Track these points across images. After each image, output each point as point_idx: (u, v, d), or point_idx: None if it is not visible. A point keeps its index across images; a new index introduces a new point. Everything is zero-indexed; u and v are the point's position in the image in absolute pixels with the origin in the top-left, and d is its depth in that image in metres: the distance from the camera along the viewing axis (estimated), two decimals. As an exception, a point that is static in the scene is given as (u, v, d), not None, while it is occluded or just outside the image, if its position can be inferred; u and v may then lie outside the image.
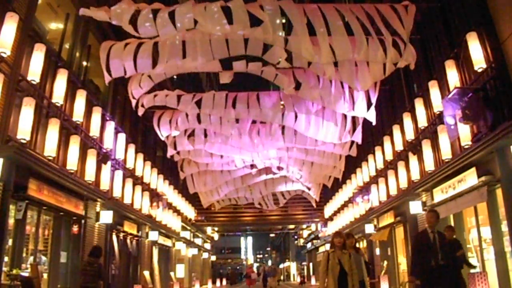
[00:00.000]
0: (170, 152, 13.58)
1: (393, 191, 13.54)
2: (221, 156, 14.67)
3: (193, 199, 24.42)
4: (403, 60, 7.96)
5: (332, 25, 7.47)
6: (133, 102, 10.09)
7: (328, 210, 24.79)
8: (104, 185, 11.62)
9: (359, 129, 11.09)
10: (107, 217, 12.01)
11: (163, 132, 12.11)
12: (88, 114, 10.85)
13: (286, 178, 17.77)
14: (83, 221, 10.90)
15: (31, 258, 8.91)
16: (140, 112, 10.60)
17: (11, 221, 7.94)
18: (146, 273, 16.16)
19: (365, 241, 19.01)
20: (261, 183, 17.96)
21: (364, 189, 16.97)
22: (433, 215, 6.24)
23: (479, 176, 8.61)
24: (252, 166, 16.22)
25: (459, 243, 7.52)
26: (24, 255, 8.62)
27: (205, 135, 13.09)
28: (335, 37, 7.54)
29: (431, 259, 5.86)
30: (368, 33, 7.75)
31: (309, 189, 18.10)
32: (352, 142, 12.31)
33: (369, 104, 9.81)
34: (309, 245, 37.63)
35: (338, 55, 7.82)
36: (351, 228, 20.49)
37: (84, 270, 7.95)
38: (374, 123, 10.11)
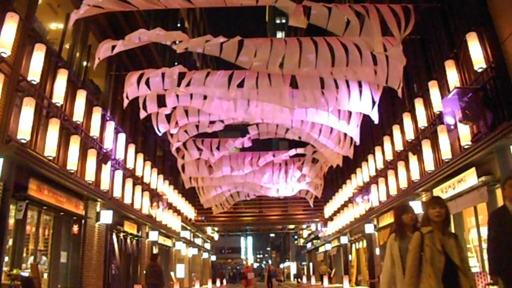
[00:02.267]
0: (175, 145, 13.24)
1: (393, 191, 13.53)
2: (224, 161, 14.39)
3: (193, 199, 24.43)
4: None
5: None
6: (126, 102, 9.85)
7: (328, 210, 24.81)
8: (104, 185, 11.63)
9: (357, 129, 11.00)
10: (107, 217, 12.02)
11: (161, 127, 11.87)
12: (88, 114, 10.86)
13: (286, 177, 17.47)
14: (83, 221, 10.92)
15: (31, 258, 8.92)
16: (142, 115, 10.46)
17: (11, 221, 7.95)
18: (146, 273, 16.16)
19: (365, 241, 19.03)
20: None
21: (364, 189, 16.97)
22: None
23: (479, 176, 8.61)
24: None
25: None
26: (24, 255, 8.63)
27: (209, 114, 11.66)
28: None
29: None
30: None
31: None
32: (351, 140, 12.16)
33: (373, 103, 9.70)
34: (309, 245, 37.66)
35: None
36: (351, 227, 20.51)
37: (148, 272, 10.02)
38: (376, 121, 10.01)
